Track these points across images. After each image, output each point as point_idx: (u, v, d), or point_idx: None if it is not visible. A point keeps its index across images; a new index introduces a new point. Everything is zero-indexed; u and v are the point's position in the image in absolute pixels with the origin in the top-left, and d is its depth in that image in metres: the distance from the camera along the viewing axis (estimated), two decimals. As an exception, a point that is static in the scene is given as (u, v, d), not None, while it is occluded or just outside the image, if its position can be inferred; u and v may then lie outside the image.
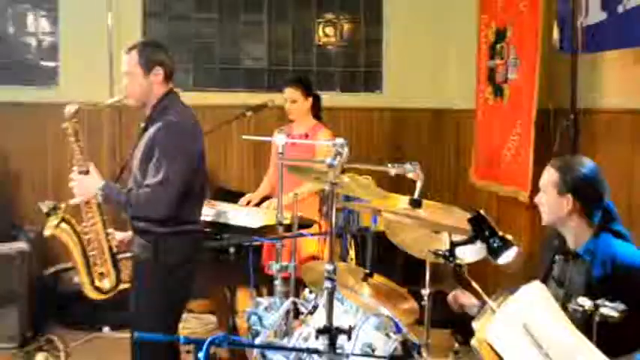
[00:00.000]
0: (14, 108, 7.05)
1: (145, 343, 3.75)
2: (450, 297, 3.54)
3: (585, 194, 3.22)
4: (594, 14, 4.84)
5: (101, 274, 3.99)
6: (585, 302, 2.84)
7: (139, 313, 3.96)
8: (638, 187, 4.67)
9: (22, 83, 7.22)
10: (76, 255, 3.96)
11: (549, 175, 3.26)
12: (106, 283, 4.00)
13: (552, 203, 3.23)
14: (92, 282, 3.97)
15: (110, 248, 3.99)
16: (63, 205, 3.95)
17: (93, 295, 4.01)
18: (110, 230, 4.01)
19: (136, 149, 3.98)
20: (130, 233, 4.08)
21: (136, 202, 3.77)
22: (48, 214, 3.92)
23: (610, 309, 2.81)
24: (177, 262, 3.88)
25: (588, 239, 3.21)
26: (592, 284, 3.13)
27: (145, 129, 3.94)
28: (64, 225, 3.92)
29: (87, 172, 3.91)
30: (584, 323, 2.74)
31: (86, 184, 3.89)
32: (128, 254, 4.04)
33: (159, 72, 3.92)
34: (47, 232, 3.94)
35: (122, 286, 4.04)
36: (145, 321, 3.89)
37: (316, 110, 5.64)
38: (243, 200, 5.59)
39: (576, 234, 3.25)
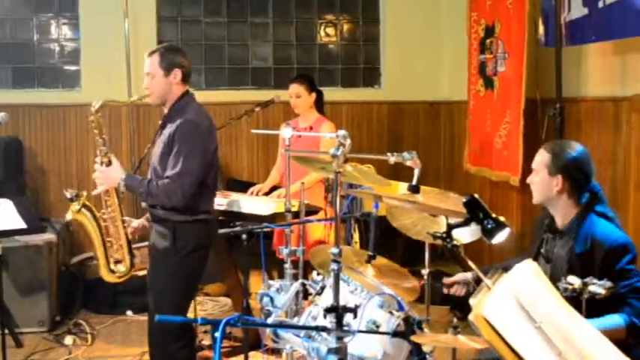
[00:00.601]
0: (41, 109, 7.10)
1: (163, 325, 3.82)
2: (445, 290, 3.54)
3: (574, 175, 3.21)
4: (576, 10, 4.82)
5: (117, 259, 4.04)
6: (575, 281, 2.84)
7: (156, 297, 4.00)
8: (621, 170, 4.65)
9: (47, 86, 7.25)
10: (95, 239, 4.02)
11: (541, 157, 3.26)
12: (121, 268, 4.05)
13: (543, 183, 3.23)
14: (108, 265, 4.03)
15: (126, 235, 4.04)
16: (85, 193, 4.02)
17: (108, 277, 4.06)
18: (126, 218, 4.08)
19: (155, 144, 4.05)
20: (142, 221, 4.15)
21: (155, 192, 3.83)
22: (71, 200, 3.98)
23: (598, 286, 2.80)
24: (193, 248, 3.93)
25: (574, 217, 3.21)
26: (573, 260, 3.13)
27: (163, 126, 4.00)
28: (84, 210, 3.99)
29: (109, 163, 3.97)
30: (574, 300, 2.73)
31: (109, 175, 3.95)
32: (144, 243, 4.11)
33: (177, 74, 3.97)
34: (69, 216, 4.03)
35: (135, 272, 4.09)
36: (162, 304, 3.92)
37: (319, 105, 5.63)
38: (253, 189, 5.58)
39: (564, 213, 3.25)
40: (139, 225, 4.16)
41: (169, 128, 3.91)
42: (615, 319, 3.01)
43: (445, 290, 3.54)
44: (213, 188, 4.11)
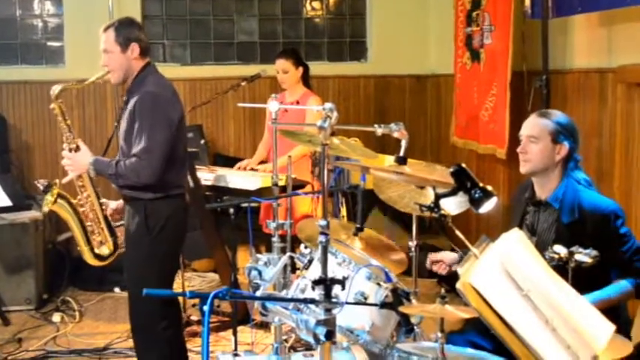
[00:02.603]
0: (24, 86, 7.05)
1: (146, 305, 3.78)
2: (428, 263, 3.54)
3: (574, 142, 3.25)
4: (563, -19, 4.81)
5: (100, 242, 4.01)
6: (561, 250, 2.86)
7: (135, 280, 3.90)
8: (606, 141, 4.67)
9: (30, 63, 7.20)
10: (75, 227, 3.98)
11: (544, 124, 3.23)
12: (105, 250, 4.02)
13: (545, 151, 3.20)
14: (92, 250, 4.00)
15: (105, 217, 4.01)
16: (57, 181, 3.95)
17: (93, 262, 4.03)
18: (103, 200, 4.03)
19: (120, 122, 3.94)
20: (120, 202, 4.06)
21: (124, 172, 3.72)
22: (44, 191, 3.92)
23: (584, 255, 2.83)
24: (166, 225, 3.84)
25: (557, 187, 3.22)
26: (560, 230, 3.16)
27: (127, 101, 3.89)
28: (60, 201, 3.93)
29: (77, 149, 3.89)
30: (560, 269, 2.75)
31: (78, 160, 3.88)
32: (121, 222, 4.04)
33: (135, 48, 3.86)
34: (45, 209, 3.96)
35: (120, 251, 4.06)
36: (141, 286, 3.83)
37: (306, 79, 5.63)
38: (240, 164, 5.58)
39: (545, 183, 3.25)
40: (117, 206, 4.08)
41: (131, 103, 3.81)
42: (622, 284, 3.09)
43: (428, 265, 3.53)
44: (184, 162, 4.00)
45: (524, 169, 3.27)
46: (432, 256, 3.50)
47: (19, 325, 5.42)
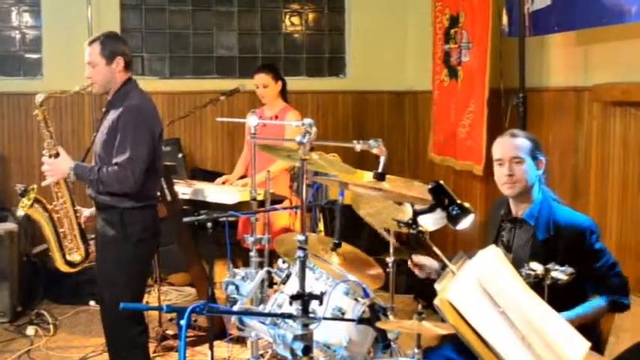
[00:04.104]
0: (2, 97, 7.02)
1: (123, 312, 3.78)
2: (410, 263, 3.52)
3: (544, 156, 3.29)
4: (540, 0, 4.86)
5: (71, 248, 4.07)
6: (537, 267, 2.88)
7: (109, 286, 3.98)
8: (582, 158, 4.72)
9: (8, 74, 7.16)
10: (48, 232, 4.03)
11: (522, 143, 3.24)
12: (76, 256, 4.09)
13: (529, 168, 3.22)
14: (64, 256, 4.06)
15: (79, 224, 4.08)
16: (35, 186, 4.01)
17: (64, 268, 4.09)
18: (78, 208, 4.09)
19: (99, 131, 4.03)
20: (93, 210, 4.14)
21: (106, 179, 3.81)
22: (21, 195, 3.98)
23: (560, 272, 2.85)
24: (143, 234, 3.95)
25: (532, 205, 3.24)
26: (536, 247, 3.18)
27: (107, 112, 4.00)
28: (36, 205, 3.99)
29: (57, 155, 3.96)
30: (536, 286, 2.77)
31: (58, 166, 3.94)
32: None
33: (120, 62, 3.95)
34: (21, 212, 4.02)
35: (90, 262, 4.14)
36: (117, 292, 3.87)
37: (284, 94, 5.64)
38: (219, 180, 5.59)
39: (523, 200, 3.27)
40: (90, 214, 4.16)
41: (112, 114, 3.90)
42: (596, 302, 3.12)
43: (410, 265, 3.50)
44: (160, 174, 4.18)
45: (513, 191, 3.24)
46: (415, 259, 3.46)
47: (-7, 338, 5.37)
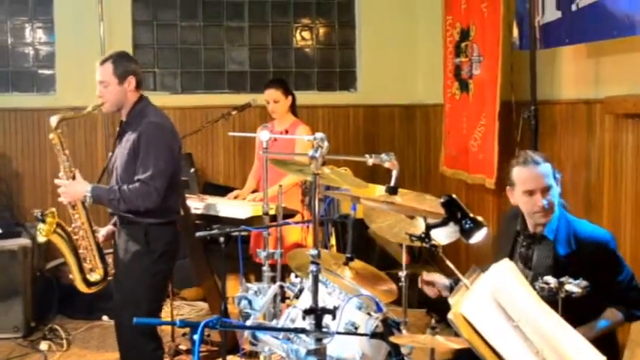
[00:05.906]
0: (15, 113, 7.04)
1: (139, 327, 3.79)
2: (420, 281, 3.52)
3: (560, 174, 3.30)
4: (550, 13, 4.85)
5: (91, 269, 4.07)
6: (551, 280, 2.86)
7: (129, 300, 3.99)
8: (595, 171, 4.69)
9: (21, 90, 7.19)
10: (68, 255, 4.03)
11: (546, 169, 3.22)
12: (96, 276, 4.09)
13: (556, 193, 3.22)
14: (84, 278, 4.05)
15: (97, 244, 4.09)
16: (54, 210, 3.97)
17: (84, 289, 4.09)
18: (95, 227, 4.10)
19: (116, 150, 4.06)
20: (109, 227, 4.19)
21: (128, 197, 3.84)
22: (39, 220, 3.94)
23: (573, 285, 2.83)
24: (165, 249, 3.99)
25: (550, 220, 3.21)
26: (558, 262, 3.15)
27: (122, 132, 4.04)
28: (59, 230, 3.97)
29: (74, 178, 3.99)
30: (550, 299, 2.75)
31: (74, 189, 3.97)
32: (110, 250, 4.14)
33: (132, 81, 4.00)
34: (42, 239, 3.98)
35: (109, 278, 4.14)
36: (136, 306, 3.89)
37: (294, 108, 5.65)
38: (230, 195, 5.60)
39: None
40: (107, 232, 4.20)
41: (131, 134, 3.93)
42: (614, 316, 3.13)
43: (420, 284, 3.50)
44: (181, 188, 4.26)
45: (547, 219, 3.22)
46: (425, 276, 3.46)
47: (6, 353, 5.37)
